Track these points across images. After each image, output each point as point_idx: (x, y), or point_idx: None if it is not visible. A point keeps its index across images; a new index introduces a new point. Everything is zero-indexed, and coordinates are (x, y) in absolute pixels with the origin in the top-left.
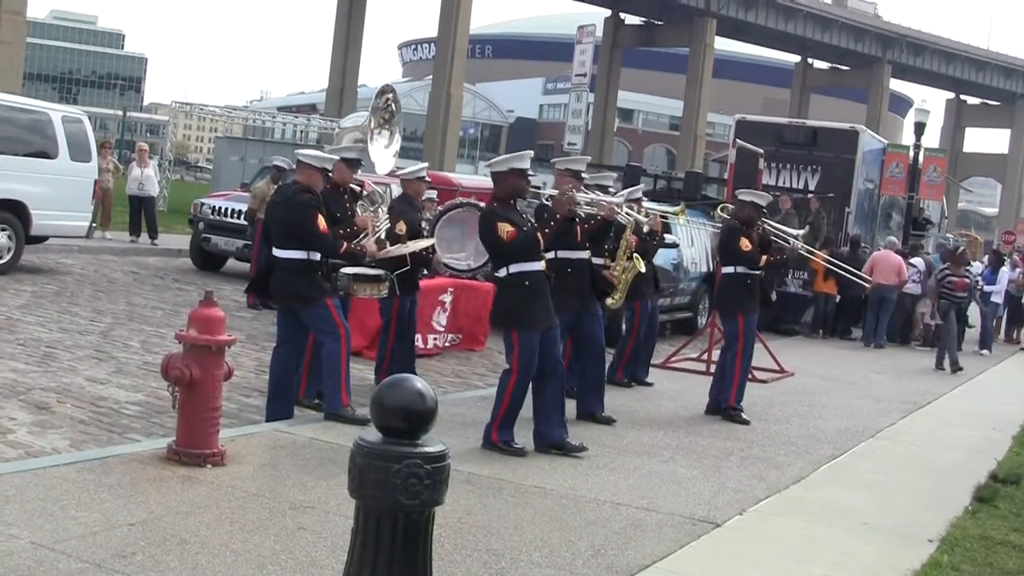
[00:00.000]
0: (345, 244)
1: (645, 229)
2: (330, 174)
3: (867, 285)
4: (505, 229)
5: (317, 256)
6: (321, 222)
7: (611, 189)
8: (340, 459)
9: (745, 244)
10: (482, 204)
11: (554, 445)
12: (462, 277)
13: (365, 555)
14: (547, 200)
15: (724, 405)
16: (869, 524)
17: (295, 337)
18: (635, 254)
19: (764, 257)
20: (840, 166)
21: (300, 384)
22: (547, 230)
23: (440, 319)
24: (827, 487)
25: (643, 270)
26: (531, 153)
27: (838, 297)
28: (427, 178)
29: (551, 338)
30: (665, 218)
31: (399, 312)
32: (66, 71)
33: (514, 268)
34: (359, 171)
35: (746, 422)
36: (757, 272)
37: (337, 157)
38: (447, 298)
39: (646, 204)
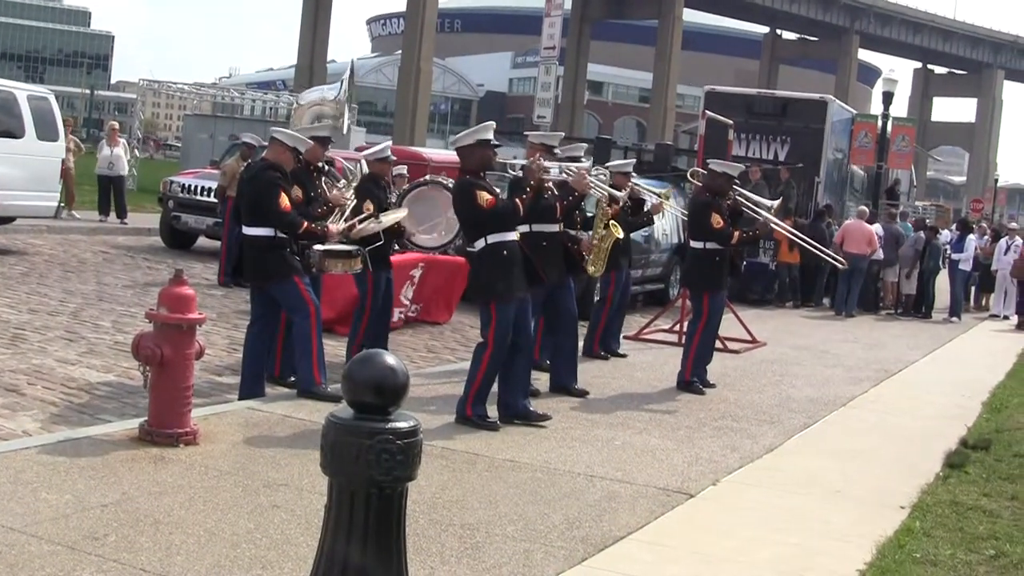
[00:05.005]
0: (305, 223)
1: (620, 203)
2: (302, 155)
3: (840, 266)
4: (484, 197)
5: (285, 233)
6: (284, 200)
7: (582, 159)
8: (313, 436)
9: (716, 221)
10: (448, 181)
11: (518, 415)
12: (430, 253)
13: (339, 532)
14: (519, 171)
15: (680, 379)
16: (842, 492)
17: (268, 315)
18: (612, 222)
19: (736, 234)
20: (809, 136)
21: (275, 362)
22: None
23: (407, 293)
24: (800, 456)
25: (620, 236)
26: (493, 124)
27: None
28: (392, 157)
29: (523, 310)
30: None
31: (375, 288)
32: (31, 50)
33: (492, 239)
34: (328, 148)
35: (701, 391)
36: (726, 247)
37: (309, 137)
38: (416, 273)
39: (634, 180)
